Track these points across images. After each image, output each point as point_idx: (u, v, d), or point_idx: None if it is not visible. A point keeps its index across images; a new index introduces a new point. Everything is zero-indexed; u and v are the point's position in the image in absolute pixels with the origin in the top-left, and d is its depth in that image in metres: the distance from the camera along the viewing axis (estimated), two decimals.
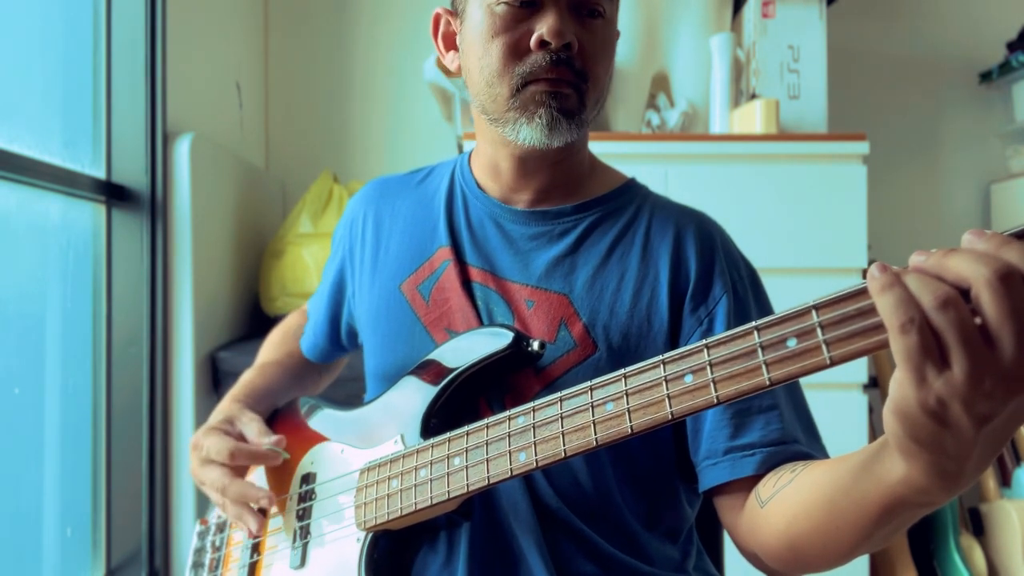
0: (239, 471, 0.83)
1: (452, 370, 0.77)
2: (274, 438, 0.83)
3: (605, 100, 0.83)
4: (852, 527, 0.55)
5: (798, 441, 0.73)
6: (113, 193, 1.56)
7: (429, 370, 0.79)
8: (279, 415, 0.96)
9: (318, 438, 0.87)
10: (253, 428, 0.85)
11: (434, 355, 0.80)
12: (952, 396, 0.41)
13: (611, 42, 0.81)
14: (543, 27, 0.74)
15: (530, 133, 0.77)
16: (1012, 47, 2.31)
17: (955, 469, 0.45)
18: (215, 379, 1.70)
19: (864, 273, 1.74)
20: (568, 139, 0.79)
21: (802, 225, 1.74)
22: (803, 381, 0.78)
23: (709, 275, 0.80)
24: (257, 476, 0.89)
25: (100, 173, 1.56)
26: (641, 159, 1.77)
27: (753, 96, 1.92)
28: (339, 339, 1.02)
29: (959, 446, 0.44)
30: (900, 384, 0.43)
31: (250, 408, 0.90)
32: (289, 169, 2.34)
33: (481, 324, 0.81)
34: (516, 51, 0.76)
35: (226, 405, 0.91)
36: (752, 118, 1.81)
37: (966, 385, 0.41)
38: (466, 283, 0.84)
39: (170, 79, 1.62)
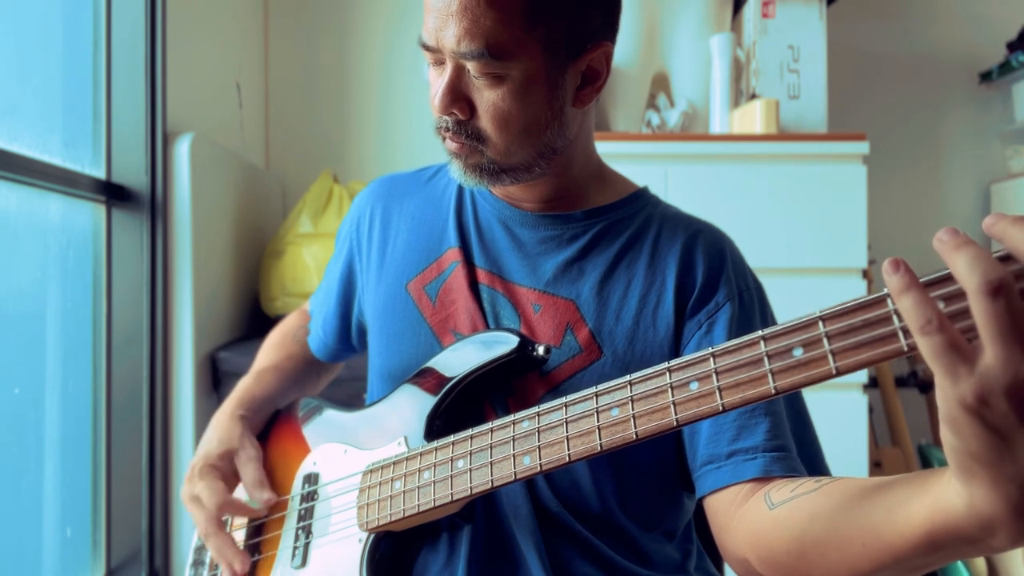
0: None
1: (456, 374, 0.77)
2: (266, 496, 0.83)
3: (543, 143, 0.77)
4: (883, 548, 0.49)
5: (794, 452, 0.72)
6: (113, 193, 1.55)
7: (432, 373, 0.79)
8: (281, 416, 0.96)
9: (321, 439, 0.87)
10: (250, 472, 0.85)
11: (439, 358, 0.80)
12: (990, 387, 0.39)
13: (517, 97, 0.73)
14: (435, 92, 0.75)
15: (458, 176, 0.80)
16: (1012, 47, 2.31)
17: (1019, 496, 0.41)
18: (215, 379, 1.70)
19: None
20: (495, 184, 0.80)
21: (802, 225, 1.74)
22: None
23: (715, 282, 0.79)
24: None
25: (100, 173, 1.56)
26: (641, 159, 1.77)
27: (753, 96, 1.92)
28: (349, 338, 1.02)
29: (1016, 459, 0.40)
30: (939, 387, 0.41)
31: (250, 423, 0.91)
32: (289, 169, 2.33)
33: (487, 327, 0.81)
34: (432, 105, 0.77)
35: (227, 422, 0.90)
36: (752, 118, 1.81)
37: (1003, 372, 0.38)
38: (473, 285, 0.84)
39: (170, 79, 1.62)
